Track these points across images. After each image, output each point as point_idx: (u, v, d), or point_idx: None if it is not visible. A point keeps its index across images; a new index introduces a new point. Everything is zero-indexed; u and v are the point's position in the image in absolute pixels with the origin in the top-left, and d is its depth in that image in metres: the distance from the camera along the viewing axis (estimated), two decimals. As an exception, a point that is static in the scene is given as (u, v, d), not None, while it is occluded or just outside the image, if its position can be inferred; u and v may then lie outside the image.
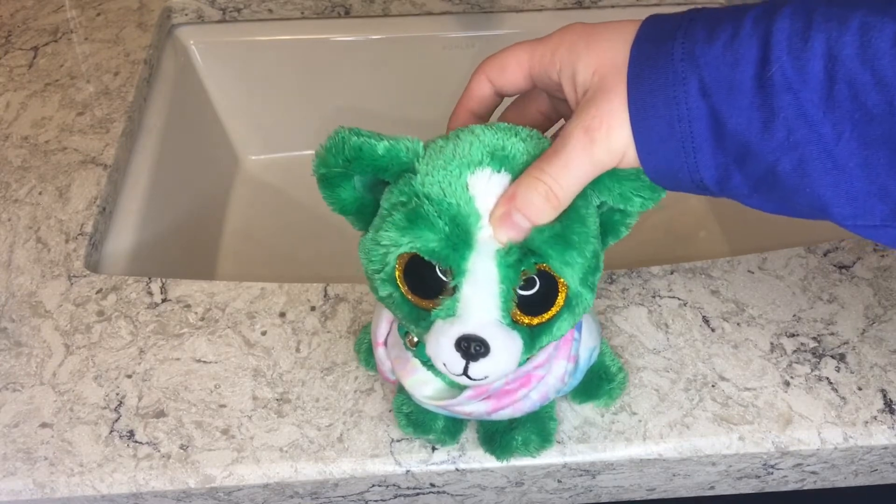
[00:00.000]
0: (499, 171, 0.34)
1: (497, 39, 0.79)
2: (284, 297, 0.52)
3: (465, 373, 0.34)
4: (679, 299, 0.51)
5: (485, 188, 0.34)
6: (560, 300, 0.34)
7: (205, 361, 0.49)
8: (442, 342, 0.33)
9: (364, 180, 0.36)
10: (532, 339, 0.35)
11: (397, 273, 0.35)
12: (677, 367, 0.48)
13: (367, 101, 0.82)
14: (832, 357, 0.48)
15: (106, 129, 0.64)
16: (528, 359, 0.39)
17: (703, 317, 0.50)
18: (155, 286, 0.53)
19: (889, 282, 0.52)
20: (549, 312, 0.34)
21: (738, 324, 0.50)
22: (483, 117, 0.40)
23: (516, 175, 0.34)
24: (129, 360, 0.49)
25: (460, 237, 0.33)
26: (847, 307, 0.50)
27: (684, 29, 0.33)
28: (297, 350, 0.49)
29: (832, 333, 0.49)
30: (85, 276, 0.54)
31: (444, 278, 0.34)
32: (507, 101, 0.43)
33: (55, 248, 0.56)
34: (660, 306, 0.51)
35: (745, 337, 0.49)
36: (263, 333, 0.50)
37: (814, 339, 0.49)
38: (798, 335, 0.49)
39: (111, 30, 0.74)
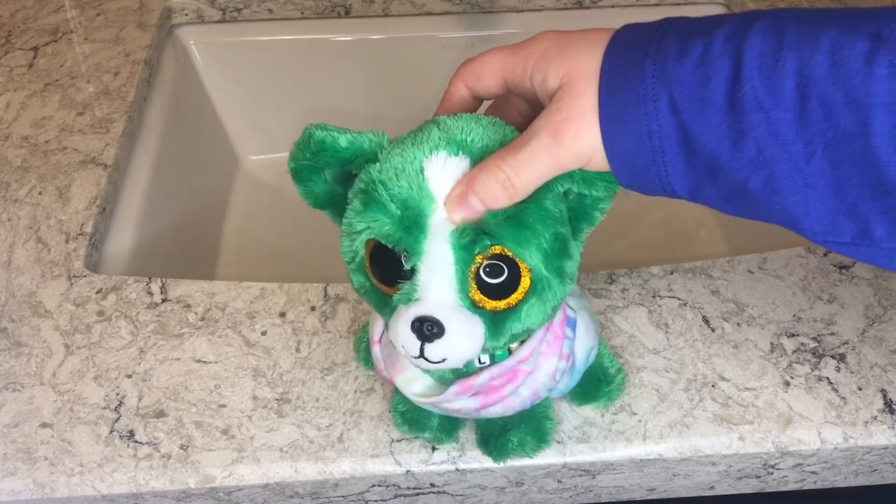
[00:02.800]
0: (456, 155, 0.35)
1: (497, 39, 0.79)
2: (284, 297, 0.52)
3: (421, 354, 0.34)
4: (679, 299, 0.51)
5: (440, 171, 0.34)
6: (524, 284, 0.34)
7: (205, 361, 0.49)
8: (399, 324, 0.34)
9: (333, 173, 0.37)
10: (496, 324, 0.35)
11: (366, 262, 0.35)
12: (677, 367, 0.48)
13: (367, 100, 0.82)
14: (832, 357, 0.48)
15: (106, 129, 0.64)
16: (510, 352, 0.39)
17: (703, 317, 0.50)
18: (155, 286, 0.53)
19: (889, 282, 0.52)
20: (513, 297, 0.34)
21: (738, 324, 0.50)
22: None
23: (475, 159, 0.35)
24: (129, 360, 0.49)
25: (412, 220, 0.34)
26: (847, 307, 0.50)
27: (657, 43, 0.33)
28: (297, 350, 0.49)
29: (832, 333, 0.49)
30: (85, 276, 0.54)
31: (406, 266, 0.34)
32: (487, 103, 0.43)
33: (55, 248, 0.56)
34: (660, 306, 0.51)
35: (745, 337, 0.49)
36: (263, 333, 0.50)
37: (814, 339, 0.49)
38: (798, 335, 0.49)
39: (111, 30, 0.74)
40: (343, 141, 0.35)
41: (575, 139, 0.34)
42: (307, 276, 0.57)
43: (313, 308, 0.51)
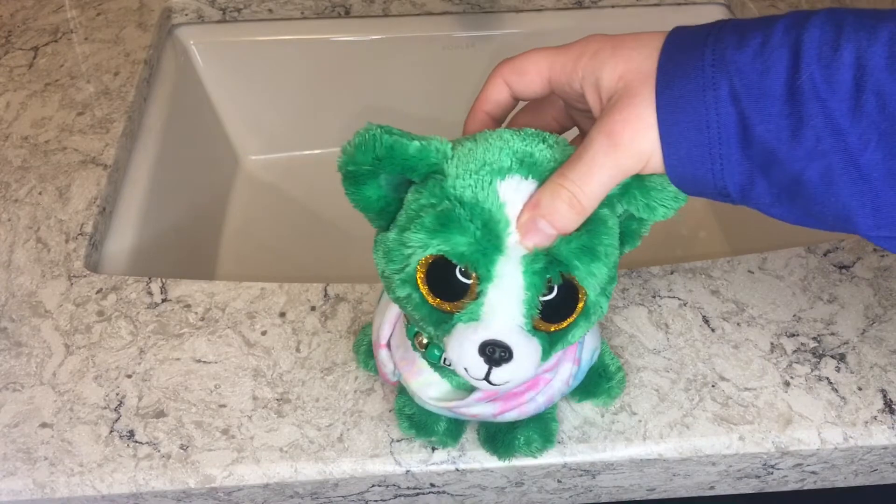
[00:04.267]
0: (527, 178, 0.34)
1: (497, 39, 0.79)
2: (284, 297, 0.52)
3: (486, 378, 0.34)
4: (679, 299, 0.51)
5: (514, 195, 0.34)
6: (579, 308, 0.34)
7: (205, 361, 0.49)
8: (465, 346, 0.33)
9: (390, 179, 0.36)
10: (550, 345, 0.35)
11: (419, 274, 0.34)
12: (677, 367, 0.48)
13: (367, 101, 0.82)
14: (832, 357, 0.48)
15: (106, 129, 0.64)
16: None
17: (703, 317, 0.50)
18: (155, 286, 0.53)
19: (889, 282, 0.52)
20: (568, 320, 0.35)
21: (738, 324, 0.50)
22: (498, 119, 0.40)
23: (542, 182, 0.34)
24: (129, 360, 0.49)
25: (491, 242, 0.33)
26: (847, 307, 0.50)
27: (714, 36, 0.33)
28: (297, 350, 0.49)
29: (832, 333, 0.49)
30: (85, 276, 0.54)
31: (466, 281, 0.34)
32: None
33: (55, 248, 0.56)
34: (660, 306, 0.51)
35: (745, 337, 0.49)
36: (263, 333, 0.50)
37: (814, 339, 0.49)
38: (798, 335, 0.49)
39: (111, 30, 0.74)
40: (412, 149, 0.34)
41: (632, 139, 0.33)
42: (307, 276, 0.57)
43: (313, 308, 0.51)
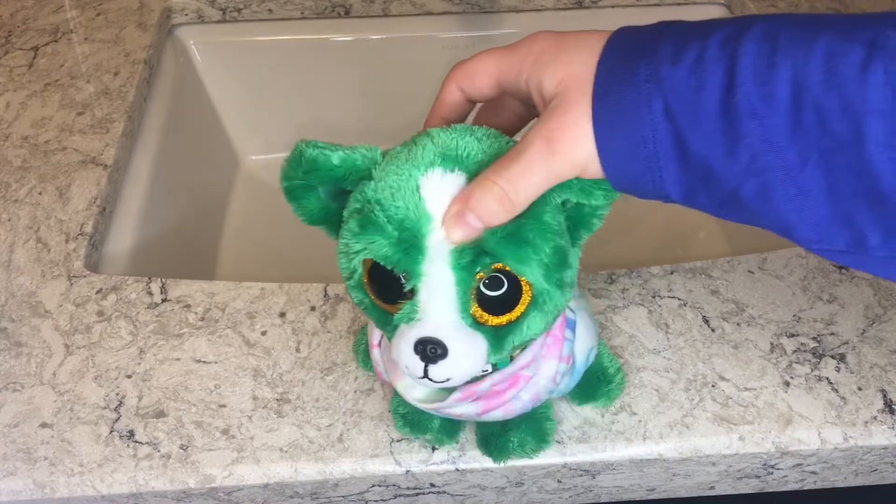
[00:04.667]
0: (452, 171, 0.34)
1: (497, 39, 0.79)
2: (284, 297, 0.52)
3: (426, 375, 0.34)
4: (679, 299, 0.51)
5: (436, 189, 0.34)
6: (525, 299, 0.34)
7: (205, 361, 0.49)
8: (402, 345, 0.34)
9: (327, 190, 0.36)
10: (498, 339, 0.35)
11: (364, 279, 0.35)
12: (677, 367, 0.48)
13: (367, 100, 0.82)
14: (832, 357, 0.48)
15: (106, 129, 0.64)
16: (511, 358, 0.39)
17: (703, 317, 0.50)
18: (155, 286, 0.53)
19: (889, 282, 0.52)
20: (514, 312, 0.34)
21: (738, 324, 0.50)
22: (456, 123, 0.40)
23: (472, 174, 0.34)
24: (129, 360, 0.49)
25: (410, 241, 0.33)
26: (847, 307, 0.50)
27: (651, 47, 0.33)
28: (297, 350, 0.49)
29: (832, 333, 0.49)
30: (85, 276, 0.54)
31: (403, 283, 0.34)
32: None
33: (55, 248, 0.56)
34: (660, 306, 0.51)
35: (745, 337, 0.49)
36: (263, 333, 0.50)
37: (814, 339, 0.49)
38: (798, 335, 0.49)
39: (111, 30, 0.74)
40: (335, 159, 0.35)
41: (570, 148, 0.33)
42: (307, 276, 0.57)
43: (313, 308, 0.51)
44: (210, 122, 0.82)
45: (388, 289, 0.34)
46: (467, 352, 0.34)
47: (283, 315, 0.51)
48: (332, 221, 0.37)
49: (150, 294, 0.52)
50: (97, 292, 0.53)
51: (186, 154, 0.74)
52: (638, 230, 0.76)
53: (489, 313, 0.34)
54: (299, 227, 0.86)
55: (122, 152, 0.64)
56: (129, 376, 0.48)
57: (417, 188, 0.34)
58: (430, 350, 0.33)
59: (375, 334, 0.42)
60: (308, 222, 0.37)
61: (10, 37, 0.73)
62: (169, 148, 0.69)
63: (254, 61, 0.80)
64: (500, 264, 0.33)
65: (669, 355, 0.48)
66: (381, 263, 0.34)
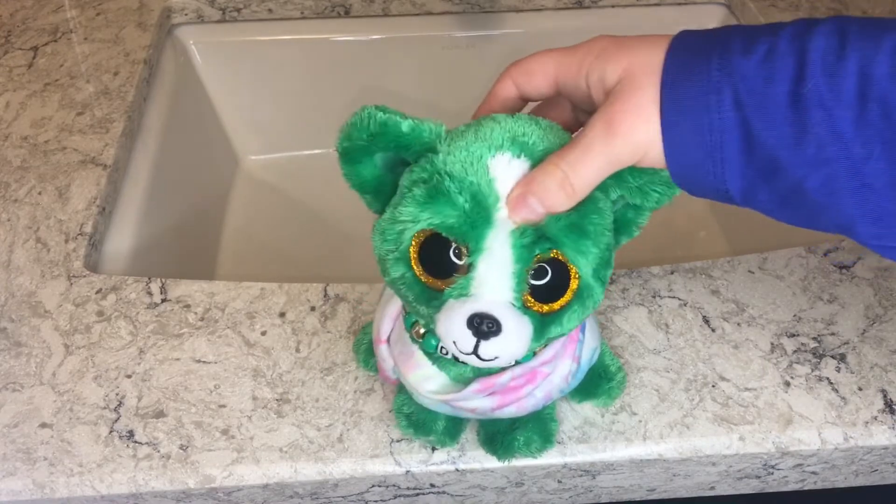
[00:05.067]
0: (518, 157, 0.34)
1: (497, 39, 0.79)
2: (284, 297, 0.52)
3: (475, 351, 0.34)
4: (679, 299, 0.51)
5: (504, 171, 0.34)
6: (572, 288, 0.34)
7: (205, 361, 0.49)
8: (454, 319, 0.33)
9: (385, 158, 0.36)
10: (542, 326, 0.35)
11: (412, 252, 0.35)
12: (677, 368, 0.48)
13: (367, 101, 0.82)
14: (832, 357, 0.48)
15: (106, 129, 0.64)
16: (534, 353, 0.39)
17: (704, 317, 0.50)
18: (155, 286, 0.53)
19: (889, 282, 0.52)
20: (561, 301, 0.35)
21: (738, 324, 0.50)
22: None
23: (535, 162, 0.34)
24: (128, 360, 0.49)
25: (480, 214, 0.33)
26: (847, 307, 0.50)
27: (721, 41, 0.33)
28: (297, 350, 0.49)
29: (832, 333, 0.49)
30: (84, 276, 0.54)
31: (456, 261, 0.34)
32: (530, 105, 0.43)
33: (55, 248, 0.55)
34: (660, 306, 0.51)
35: (745, 337, 0.49)
36: (263, 333, 0.50)
37: (814, 339, 0.49)
38: (798, 335, 0.49)
39: (111, 30, 0.74)
40: (405, 126, 0.35)
41: (630, 129, 0.34)
42: (307, 276, 0.57)
43: (313, 308, 0.51)
44: (210, 122, 0.82)
45: (441, 262, 0.34)
46: (519, 332, 0.34)
47: (282, 315, 0.51)
48: (380, 191, 0.37)
49: (150, 294, 0.52)
50: (97, 292, 0.53)
51: (186, 154, 0.74)
52: (638, 230, 0.76)
53: (538, 299, 0.34)
54: (299, 227, 0.86)
55: (121, 152, 0.64)
56: (129, 376, 0.48)
57: (487, 168, 0.34)
58: (487, 325, 0.33)
59: (383, 329, 0.42)
60: (357, 188, 0.37)
61: (9, 37, 0.73)
62: (169, 148, 0.69)
63: (254, 61, 0.80)
64: (557, 251, 0.34)
65: (669, 355, 0.48)
66: (445, 234, 0.34)
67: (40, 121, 0.65)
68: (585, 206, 0.35)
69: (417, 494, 0.47)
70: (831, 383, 0.47)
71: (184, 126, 0.74)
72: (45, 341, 0.50)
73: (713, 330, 0.50)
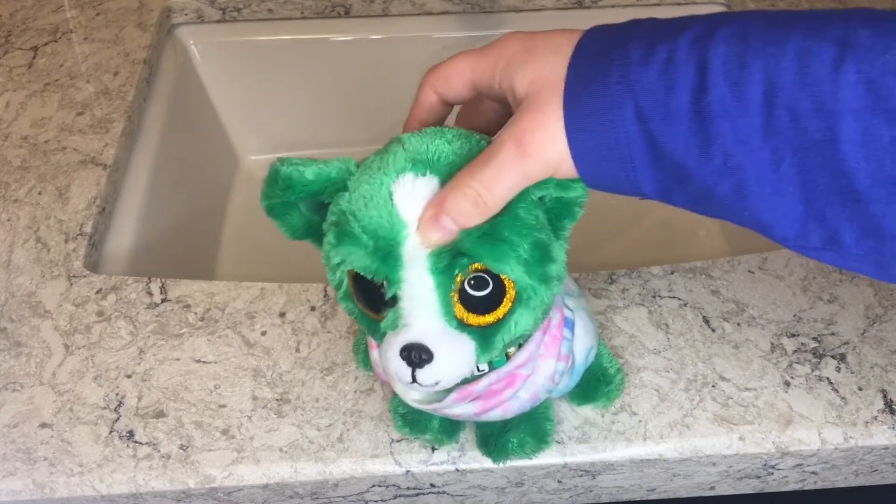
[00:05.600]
0: (423, 175, 0.34)
1: (497, 39, 0.79)
2: (284, 297, 0.52)
3: (414, 380, 0.34)
4: (679, 299, 0.51)
5: (409, 195, 0.34)
6: (509, 296, 0.34)
7: (204, 361, 0.49)
8: (389, 353, 0.34)
9: (307, 204, 0.37)
10: (486, 338, 0.35)
11: (350, 289, 0.35)
12: (677, 368, 0.48)
13: (367, 101, 0.82)
14: (832, 357, 0.48)
15: (106, 129, 0.64)
16: (507, 357, 0.39)
17: (704, 317, 0.50)
18: (155, 286, 0.53)
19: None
20: (499, 310, 0.34)
21: (738, 324, 0.50)
22: (435, 125, 0.40)
23: (444, 177, 0.34)
24: (128, 361, 0.49)
25: (385, 250, 0.33)
26: (847, 307, 0.50)
27: (621, 48, 0.33)
28: (297, 350, 0.49)
29: (832, 333, 0.49)
30: (84, 277, 0.54)
31: (385, 291, 0.34)
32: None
33: (55, 248, 0.55)
34: (660, 306, 0.51)
35: (745, 337, 0.49)
36: (263, 333, 0.50)
37: (814, 339, 0.49)
38: (798, 335, 0.49)
39: (111, 30, 0.74)
40: (309, 174, 0.35)
41: (541, 149, 0.33)
42: (307, 276, 0.57)
43: (313, 308, 0.51)
44: (210, 122, 0.82)
45: (372, 297, 0.35)
46: (453, 354, 0.34)
47: (282, 315, 0.51)
48: (316, 234, 0.38)
49: (150, 294, 0.52)
50: (97, 292, 0.53)
51: (186, 154, 0.74)
52: (638, 230, 0.76)
53: (474, 313, 0.34)
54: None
55: (121, 152, 0.64)
56: (129, 376, 0.48)
57: (390, 196, 0.34)
58: (415, 356, 0.33)
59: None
60: (292, 238, 0.38)
61: (9, 37, 0.73)
62: (169, 148, 0.69)
63: (254, 61, 0.80)
64: (479, 264, 0.33)
65: (670, 355, 0.48)
66: (361, 273, 0.34)
67: (40, 121, 0.65)
68: (497, 214, 0.34)
69: (417, 494, 0.47)
70: (831, 383, 0.47)
71: (184, 126, 0.74)
72: (45, 341, 0.50)
73: (713, 330, 0.50)
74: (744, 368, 0.48)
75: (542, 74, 0.34)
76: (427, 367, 0.34)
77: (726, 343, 0.49)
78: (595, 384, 0.45)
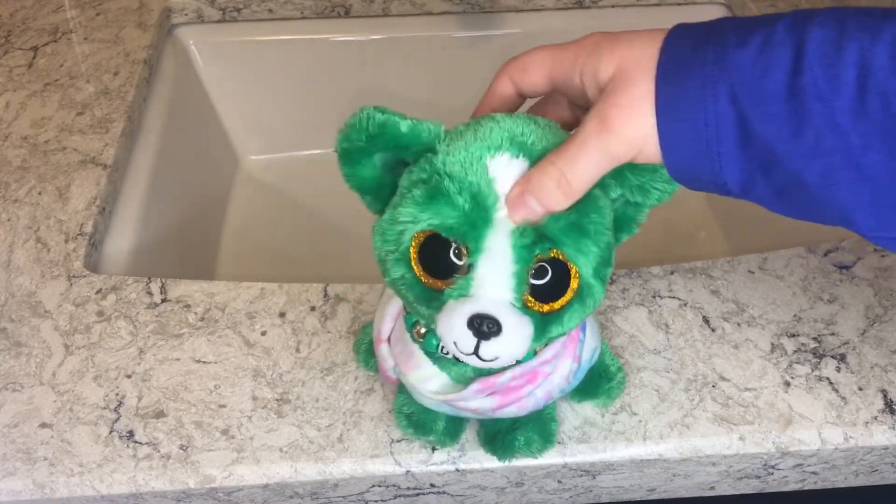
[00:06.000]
0: (517, 157, 0.34)
1: (497, 39, 0.79)
2: (284, 297, 0.52)
3: (475, 352, 0.34)
4: (679, 299, 0.51)
5: (503, 171, 0.34)
6: (572, 287, 0.34)
7: (204, 362, 0.49)
8: (454, 320, 0.33)
9: (385, 158, 0.36)
10: (542, 326, 0.35)
11: (412, 252, 0.35)
12: (677, 368, 0.48)
13: (367, 101, 0.82)
14: (833, 357, 0.48)
15: (106, 129, 0.64)
16: (535, 353, 0.39)
17: (704, 317, 0.50)
18: (155, 286, 0.53)
19: (889, 282, 0.52)
20: (561, 300, 0.35)
21: (738, 324, 0.50)
22: None
23: (534, 161, 0.34)
24: (128, 361, 0.49)
25: (479, 215, 0.33)
26: (847, 307, 0.50)
27: (716, 34, 0.33)
28: (297, 350, 0.49)
29: (833, 333, 0.49)
30: (84, 277, 0.54)
31: (457, 261, 0.34)
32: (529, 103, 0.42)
33: (55, 248, 0.55)
34: (660, 306, 0.51)
35: (745, 337, 0.49)
36: (263, 333, 0.50)
37: (814, 339, 0.49)
38: (798, 335, 0.49)
39: (111, 30, 0.74)
40: (404, 126, 0.35)
41: (625, 125, 0.33)
42: (307, 276, 0.57)
43: (313, 308, 0.51)
44: (210, 122, 0.82)
45: (441, 263, 0.34)
46: (519, 332, 0.34)
47: (282, 315, 0.51)
48: (380, 192, 0.37)
49: (150, 294, 0.52)
50: (97, 292, 0.53)
51: (186, 154, 0.74)
52: (638, 230, 0.76)
53: (538, 300, 0.34)
54: (299, 227, 0.86)
55: (121, 152, 0.64)
56: (129, 376, 0.48)
57: (487, 168, 0.34)
58: (488, 325, 0.33)
59: (384, 328, 0.42)
60: (357, 189, 0.37)
61: (9, 37, 0.73)
62: (169, 148, 0.69)
63: (254, 61, 0.80)
64: (558, 251, 0.34)
65: (670, 355, 0.48)
66: (445, 235, 0.34)
67: (40, 121, 0.65)
68: (585, 206, 0.35)
69: (417, 494, 0.47)
70: (831, 383, 0.47)
71: (184, 126, 0.74)
72: (45, 341, 0.50)
73: (713, 330, 0.50)
74: (744, 368, 0.48)
75: (631, 55, 0.34)
76: (493, 340, 0.33)
77: (726, 343, 0.49)
78: (596, 381, 0.45)
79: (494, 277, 0.33)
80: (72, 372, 0.48)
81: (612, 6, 0.79)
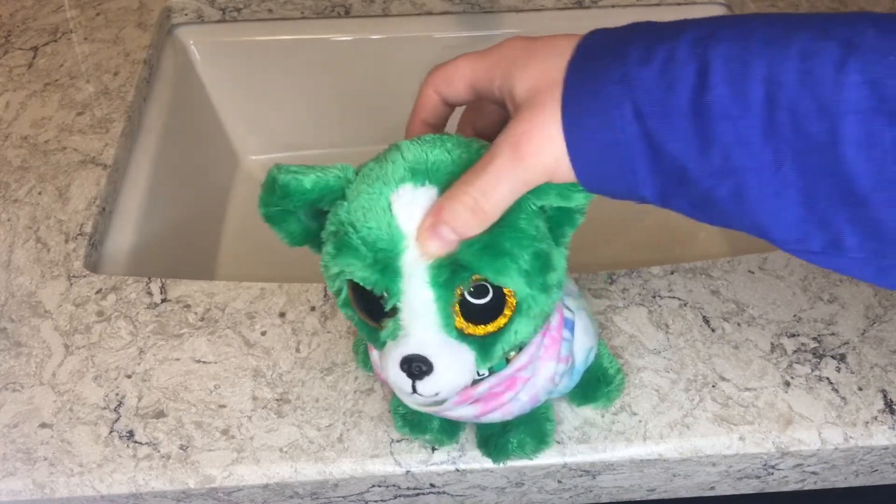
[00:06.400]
0: (422, 185, 0.34)
1: (497, 39, 0.79)
2: (284, 297, 0.52)
3: (414, 391, 0.34)
4: (679, 299, 0.51)
5: (408, 205, 0.34)
6: (509, 306, 0.34)
7: (204, 362, 0.49)
8: (389, 363, 0.34)
9: (305, 212, 0.36)
10: (485, 348, 0.35)
11: (350, 298, 0.35)
12: (677, 368, 0.48)
13: (367, 101, 0.82)
14: (832, 357, 0.48)
15: (106, 129, 0.64)
16: (507, 361, 0.39)
17: (704, 317, 0.50)
18: (155, 286, 0.53)
19: (889, 282, 0.52)
20: (499, 320, 0.34)
21: (738, 324, 0.50)
22: (437, 126, 0.40)
23: (443, 186, 0.34)
24: (128, 361, 0.49)
25: (384, 262, 0.33)
26: (847, 307, 0.50)
27: (620, 48, 0.32)
28: (297, 350, 0.49)
29: (832, 334, 0.49)
30: (84, 277, 0.54)
31: (384, 305, 0.34)
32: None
33: (55, 248, 0.55)
34: (660, 306, 0.51)
35: (745, 337, 0.49)
36: (263, 333, 0.50)
37: (814, 339, 0.49)
38: (798, 335, 0.49)
39: (111, 30, 0.74)
40: (307, 182, 0.35)
41: (537, 152, 0.33)
42: (307, 276, 0.56)
43: (313, 308, 0.51)
44: (210, 122, 0.82)
45: (372, 307, 0.34)
46: (453, 365, 0.34)
47: (282, 315, 0.51)
48: (315, 241, 0.37)
49: (150, 294, 0.52)
50: (97, 292, 0.53)
51: (186, 154, 0.74)
52: (638, 230, 0.76)
53: (475, 323, 0.34)
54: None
55: (121, 152, 0.64)
56: (129, 376, 0.48)
57: (389, 206, 0.33)
58: (416, 367, 0.33)
59: None
60: (291, 244, 0.37)
61: (9, 37, 0.73)
62: (169, 148, 0.69)
63: (254, 61, 0.80)
64: (479, 276, 0.33)
65: (669, 355, 0.48)
66: (362, 284, 0.34)
67: (40, 121, 0.65)
68: (498, 225, 0.34)
69: (417, 494, 0.47)
70: (831, 383, 0.47)
71: (184, 126, 0.74)
72: (45, 341, 0.50)
73: (713, 330, 0.50)
74: (744, 368, 0.48)
75: (542, 76, 0.34)
76: (427, 379, 0.34)
77: (726, 343, 0.49)
78: (595, 384, 0.45)
79: (418, 318, 0.33)
80: (72, 372, 0.48)
81: (612, 6, 0.79)
